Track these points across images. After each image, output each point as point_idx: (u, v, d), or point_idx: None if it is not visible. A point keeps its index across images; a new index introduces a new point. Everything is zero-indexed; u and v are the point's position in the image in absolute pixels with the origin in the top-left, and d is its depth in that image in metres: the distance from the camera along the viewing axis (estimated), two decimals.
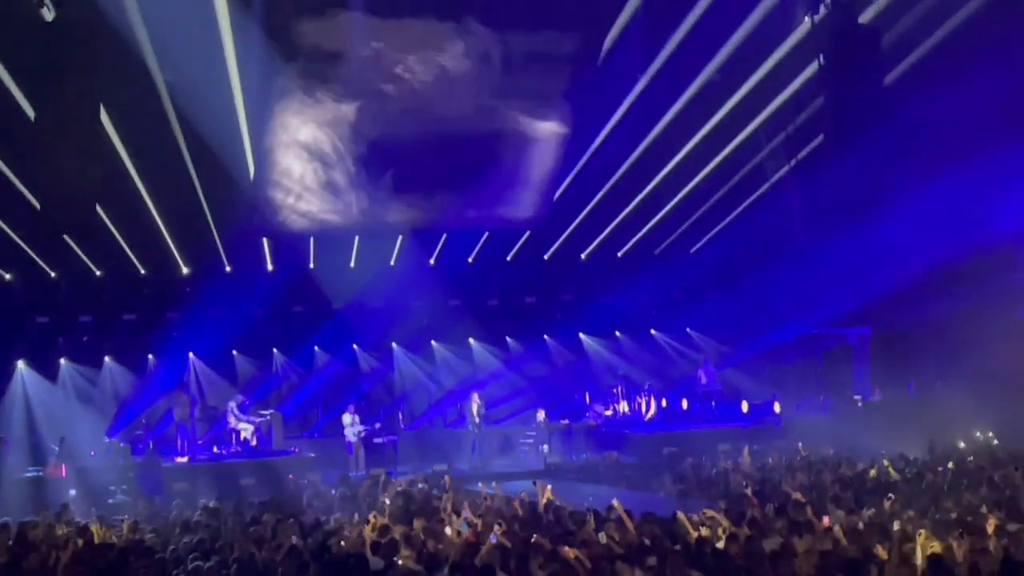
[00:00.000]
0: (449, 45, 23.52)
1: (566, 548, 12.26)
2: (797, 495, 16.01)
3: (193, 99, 22.84)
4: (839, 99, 20.91)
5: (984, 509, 14.18)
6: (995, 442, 24.22)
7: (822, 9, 21.08)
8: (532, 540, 12.99)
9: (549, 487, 17.42)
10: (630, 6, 23.34)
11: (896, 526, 12.80)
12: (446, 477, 19.94)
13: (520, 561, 11.92)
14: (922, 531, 11.98)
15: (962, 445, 23.53)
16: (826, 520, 13.55)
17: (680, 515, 14.02)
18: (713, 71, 25.35)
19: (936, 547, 11.62)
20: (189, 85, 22.55)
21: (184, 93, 22.84)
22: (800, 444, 24.51)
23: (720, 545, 12.42)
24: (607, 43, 24.38)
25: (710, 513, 14.45)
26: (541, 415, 30.41)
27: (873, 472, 19.05)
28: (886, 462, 19.55)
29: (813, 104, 24.32)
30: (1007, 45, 23.11)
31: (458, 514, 15.59)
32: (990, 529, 12.17)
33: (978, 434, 25.30)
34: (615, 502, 14.57)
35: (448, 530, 14.56)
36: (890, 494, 15.76)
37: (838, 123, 21.09)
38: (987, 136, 24.57)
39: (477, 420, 29.31)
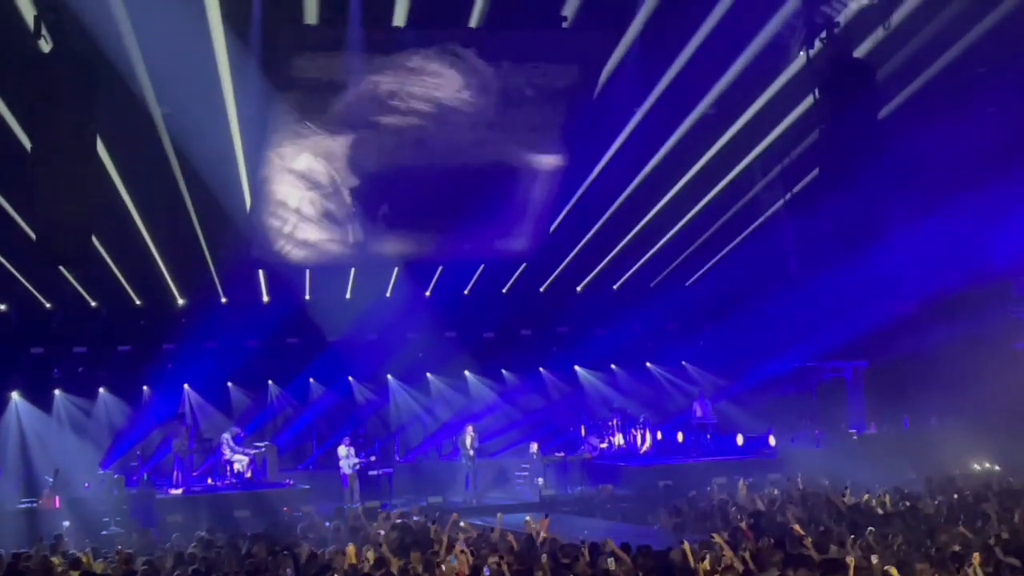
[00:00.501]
0: (446, 78, 23.56)
1: None
2: (796, 528, 15.97)
3: (190, 131, 22.87)
4: (834, 133, 20.93)
5: (992, 540, 14.11)
6: (988, 465, 24.19)
7: (817, 43, 21.13)
8: (528, 573, 12.93)
9: (547, 520, 17.36)
10: (626, 40, 23.43)
11: (875, 559, 12.73)
12: (454, 515, 19.70)
13: None
14: (886, 565, 11.97)
15: (958, 478, 23.44)
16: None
17: (686, 544, 13.91)
18: (709, 105, 25.44)
19: None
20: (186, 117, 22.58)
21: (181, 125, 22.88)
22: (799, 476, 24.46)
23: None
24: (603, 77, 24.45)
25: (717, 539, 14.37)
26: (534, 448, 30.35)
27: (869, 502, 18.99)
28: (886, 496, 19.49)
29: (808, 138, 24.40)
30: (1001, 80, 23.22)
31: (453, 547, 15.49)
32: (976, 562, 12.09)
33: (976, 466, 25.25)
34: (609, 541, 14.45)
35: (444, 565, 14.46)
36: (870, 527, 15.72)
37: (833, 157, 21.10)
38: (982, 169, 24.67)
39: (471, 453, 29.14)
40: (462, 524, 18.83)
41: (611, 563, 13.05)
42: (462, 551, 14.47)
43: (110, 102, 19.15)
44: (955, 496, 19.44)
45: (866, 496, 19.37)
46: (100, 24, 18.87)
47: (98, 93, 17.89)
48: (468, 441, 29.13)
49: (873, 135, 20.84)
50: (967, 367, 27.21)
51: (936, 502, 18.88)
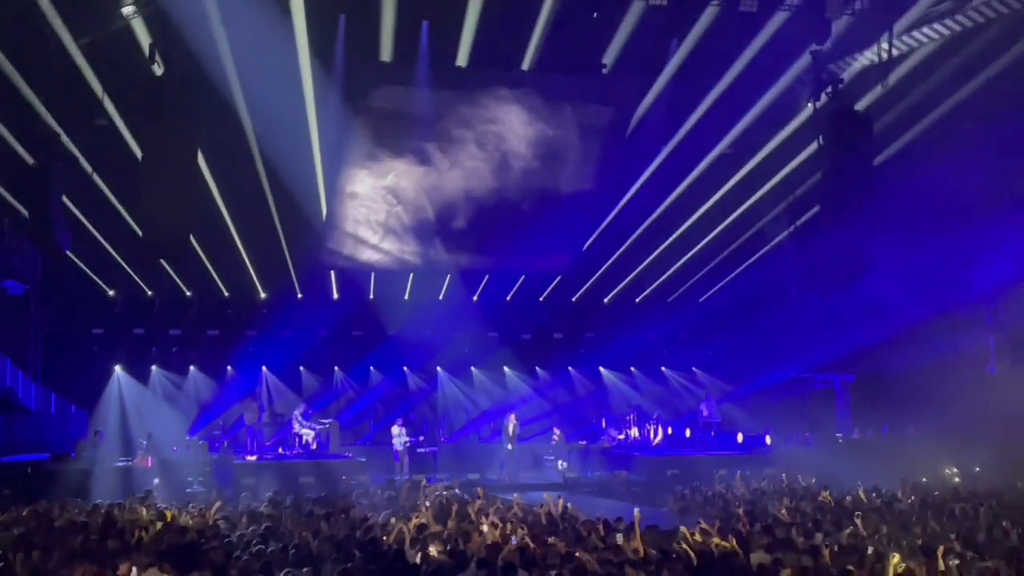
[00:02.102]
0: (500, 114, 23.62)
1: (579, 552, 12.14)
2: (783, 515, 15.86)
3: (277, 147, 23.07)
4: (835, 176, 20.85)
5: (953, 537, 13.95)
6: (957, 480, 23.88)
7: (823, 97, 21.06)
8: (549, 543, 12.88)
9: (561, 500, 17.28)
10: (657, 86, 23.44)
11: (870, 550, 12.58)
12: (479, 489, 19.65)
13: (539, 561, 11.83)
14: (896, 555, 11.83)
15: (929, 481, 23.16)
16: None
17: (682, 528, 13.81)
18: (726, 146, 25.41)
19: (902, 568, 11.47)
20: (275, 135, 22.79)
21: (270, 142, 23.09)
22: (784, 473, 24.24)
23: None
24: (636, 117, 24.46)
25: (704, 526, 14.26)
26: (557, 433, 30.20)
27: (850, 500, 18.79)
28: (861, 492, 19.28)
29: (812, 179, 24.27)
30: (984, 134, 23.07)
31: (486, 518, 15.41)
32: (941, 553, 11.92)
33: (946, 471, 24.95)
34: (637, 512, 14.26)
35: (478, 531, 14.38)
36: (857, 512, 15.57)
37: (833, 196, 21.01)
38: (963, 211, 24.53)
39: (512, 439, 29.06)
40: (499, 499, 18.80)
41: (619, 538, 12.93)
42: (493, 524, 14.40)
43: (211, 120, 19.37)
44: (926, 496, 19.21)
45: (849, 499, 19.09)
46: (205, 52, 19.06)
47: (201, 112, 18.06)
48: (511, 428, 29.07)
49: (869, 179, 20.76)
50: (942, 385, 26.87)
51: (910, 501, 18.66)
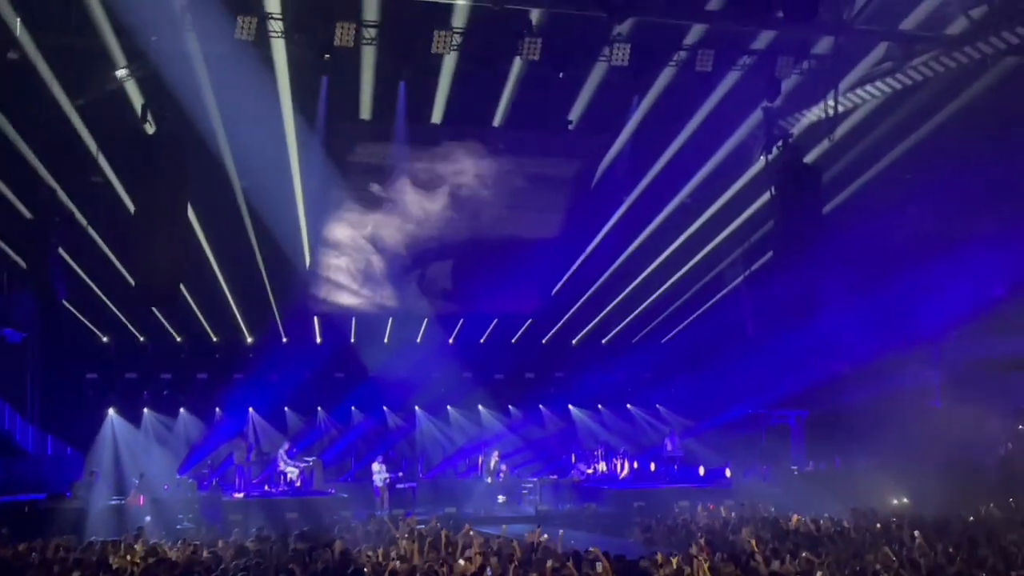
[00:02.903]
0: (472, 167, 23.75)
1: None
2: (752, 543, 15.88)
3: (263, 200, 23.14)
4: (786, 223, 21.02)
5: (902, 561, 13.99)
6: (905, 500, 23.97)
7: (775, 150, 21.29)
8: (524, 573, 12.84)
9: (546, 535, 17.20)
10: (620, 141, 23.65)
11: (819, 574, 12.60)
12: (467, 526, 19.53)
13: None
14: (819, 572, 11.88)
15: (877, 509, 23.20)
16: None
17: (659, 555, 13.73)
18: (685, 196, 25.60)
19: None
20: (261, 189, 22.87)
21: (256, 195, 23.18)
22: (745, 503, 24.24)
23: None
24: (600, 170, 24.64)
25: (694, 551, 14.20)
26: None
27: (806, 528, 18.80)
28: (820, 521, 19.30)
29: (765, 226, 24.47)
30: (922, 185, 23.36)
31: (463, 551, 15.32)
32: None
33: (894, 500, 25.02)
34: (593, 548, 14.25)
35: (455, 562, 14.30)
36: (796, 545, 15.56)
37: (785, 242, 21.17)
38: (907, 255, 24.75)
39: (492, 473, 28.99)
40: (472, 532, 18.66)
41: (599, 567, 12.86)
42: (478, 553, 14.32)
43: (200, 175, 19.39)
44: (876, 524, 19.24)
45: (805, 528, 19.10)
46: (195, 112, 19.15)
47: (191, 168, 18.07)
48: (492, 463, 29.03)
49: (818, 226, 20.94)
50: (891, 419, 27.02)
51: (860, 528, 18.68)
